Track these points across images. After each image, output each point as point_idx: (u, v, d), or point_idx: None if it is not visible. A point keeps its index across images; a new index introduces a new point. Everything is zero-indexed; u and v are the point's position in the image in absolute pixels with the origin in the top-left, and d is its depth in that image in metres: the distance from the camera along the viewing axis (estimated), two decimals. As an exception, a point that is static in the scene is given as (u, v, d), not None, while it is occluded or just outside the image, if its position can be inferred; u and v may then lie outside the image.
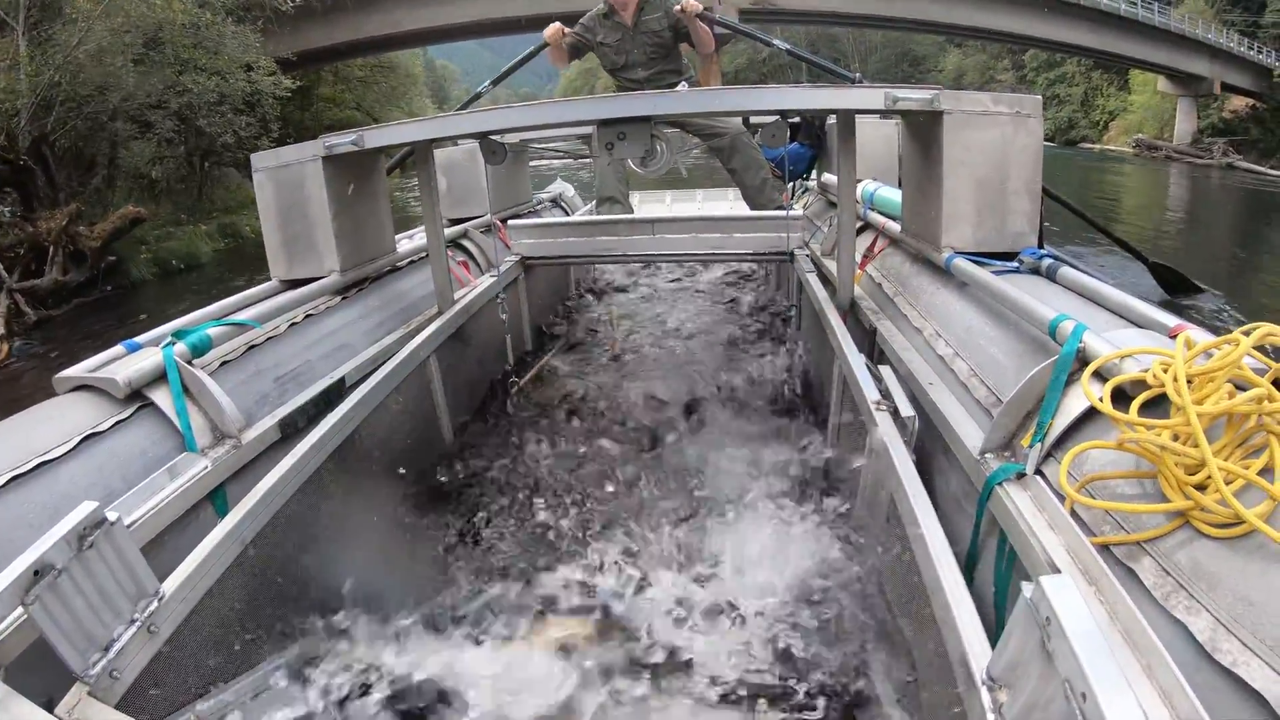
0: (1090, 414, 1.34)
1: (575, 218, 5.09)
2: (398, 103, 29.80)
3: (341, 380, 2.28)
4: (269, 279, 2.68)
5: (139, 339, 1.96)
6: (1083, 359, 1.40)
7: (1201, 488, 1.08)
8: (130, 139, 14.49)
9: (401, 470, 2.42)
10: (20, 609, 1.09)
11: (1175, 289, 3.21)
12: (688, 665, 1.76)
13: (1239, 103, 28.26)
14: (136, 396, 1.78)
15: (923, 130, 2.31)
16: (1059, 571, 1.17)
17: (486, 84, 4.37)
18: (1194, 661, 0.96)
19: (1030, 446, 1.40)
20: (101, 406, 1.73)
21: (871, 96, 2.20)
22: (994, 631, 1.09)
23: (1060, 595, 0.83)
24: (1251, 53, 27.16)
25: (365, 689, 1.70)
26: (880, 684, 1.62)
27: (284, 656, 1.72)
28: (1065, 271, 1.94)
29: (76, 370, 1.80)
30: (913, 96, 2.13)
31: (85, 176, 13.74)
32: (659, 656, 1.78)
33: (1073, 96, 36.70)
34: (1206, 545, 1.05)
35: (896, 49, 46.61)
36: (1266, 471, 1.06)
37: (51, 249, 10.99)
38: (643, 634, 1.85)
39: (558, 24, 4.09)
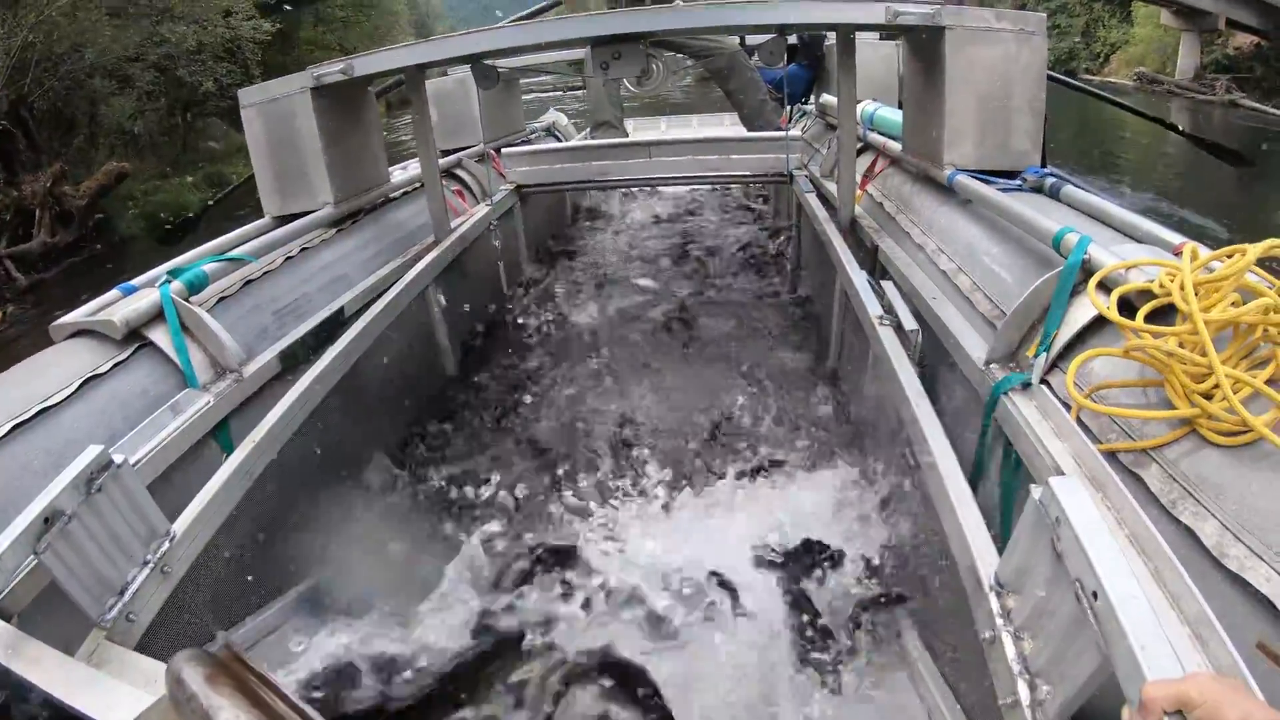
0: (1095, 325, 1.34)
1: (570, 143, 5.01)
2: (381, 42, 28.90)
3: (340, 311, 2.27)
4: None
5: (134, 281, 1.94)
6: (1088, 270, 1.39)
7: (1208, 396, 1.08)
8: (110, 95, 14.11)
9: (406, 399, 2.43)
10: (32, 557, 1.07)
11: (1222, 158, 3.05)
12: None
13: (1244, 40, 27.41)
14: (135, 337, 1.76)
15: (924, 47, 2.26)
16: (1064, 475, 1.17)
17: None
18: (1201, 566, 0.97)
19: (1036, 357, 1.40)
20: (100, 349, 1.72)
21: (872, 10, 2.15)
22: (1001, 542, 1.10)
23: (1069, 495, 0.84)
24: (1258, -10, 26.40)
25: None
26: (888, 593, 1.66)
27: (297, 591, 1.74)
28: (1069, 190, 1.92)
29: (73, 316, 1.78)
30: (914, 11, 2.09)
31: (67, 136, 13.44)
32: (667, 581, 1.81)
33: (1074, 27, 35.66)
34: (1213, 453, 1.05)
35: (897, -19, 45.25)
36: (1273, 381, 1.06)
37: (38, 211, 10.80)
38: (653, 554, 1.88)
39: None
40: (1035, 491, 0.90)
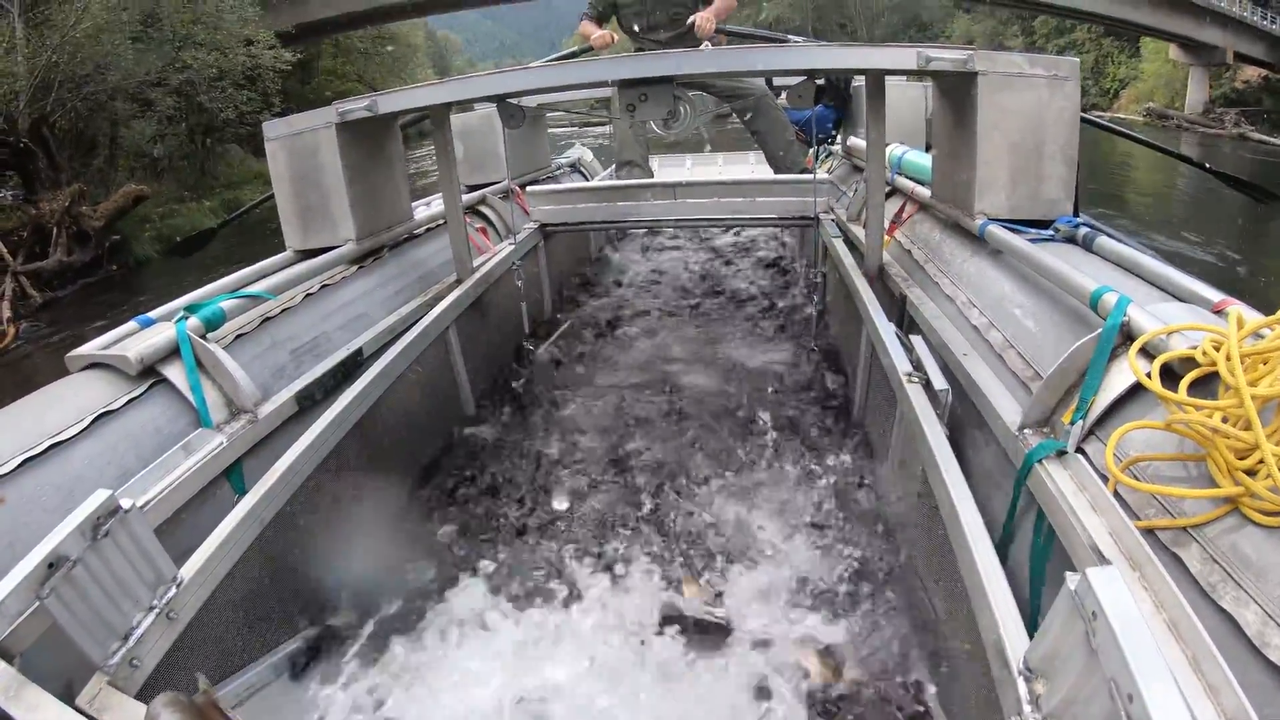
0: (1133, 391, 1.29)
1: (595, 183, 5.02)
2: (400, 74, 29.52)
3: (359, 351, 2.24)
4: (275, 253, 2.61)
5: (152, 314, 1.92)
6: (1127, 333, 1.34)
7: (1252, 472, 1.03)
8: (131, 118, 14.39)
9: (423, 444, 2.39)
10: (36, 601, 1.06)
11: (1246, 193, 3.03)
12: (716, 637, 1.73)
13: (1252, 73, 27.72)
14: (150, 373, 1.74)
15: (955, 92, 2.23)
16: (1101, 554, 1.13)
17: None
18: (1242, 656, 0.92)
19: (1072, 423, 1.34)
20: (114, 384, 1.69)
21: (903, 56, 2.12)
22: (1028, 612, 1.06)
23: (1108, 589, 0.79)
24: (1265, 23, 26.57)
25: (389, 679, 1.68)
26: (909, 663, 1.59)
27: (305, 637, 1.71)
28: (1103, 241, 1.88)
29: (88, 348, 1.75)
30: (946, 57, 2.06)
31: (87, 157, 13.66)
32: (684, 633, 1.75)
33: (1083, 64, 35.91)
34: (1256, 533, 1.00)
35: (904, 14, 45.59)
36: (1321, 460, 1.00)
37: (55, 230, 10.94)
38: (666, 614, 1.81)
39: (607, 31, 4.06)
40: (1071, 581, 0.84)
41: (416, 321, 2.41)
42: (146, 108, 14.43)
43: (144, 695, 1.19)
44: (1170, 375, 1.20)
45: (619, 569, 1.99)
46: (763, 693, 1.59)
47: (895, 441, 2.00)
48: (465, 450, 2.56)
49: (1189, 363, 1.19)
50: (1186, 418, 1.11)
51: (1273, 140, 23.16)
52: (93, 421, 1.56)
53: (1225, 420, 1.08)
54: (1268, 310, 1.31)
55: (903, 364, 1.83)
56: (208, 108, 15.26)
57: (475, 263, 2.96)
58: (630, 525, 2.16)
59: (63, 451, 1.48)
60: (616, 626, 1.79)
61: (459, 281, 2.82)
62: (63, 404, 1.60)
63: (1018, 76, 2.06)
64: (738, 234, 5.51)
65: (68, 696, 1.11)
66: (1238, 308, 1.34)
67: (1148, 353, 1.27)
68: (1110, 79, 34.92)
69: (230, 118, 15.47)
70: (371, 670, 1.69)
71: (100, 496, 1.15)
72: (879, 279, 2.56)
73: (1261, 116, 25.70)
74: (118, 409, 1.63)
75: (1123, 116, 31.39)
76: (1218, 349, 1.15)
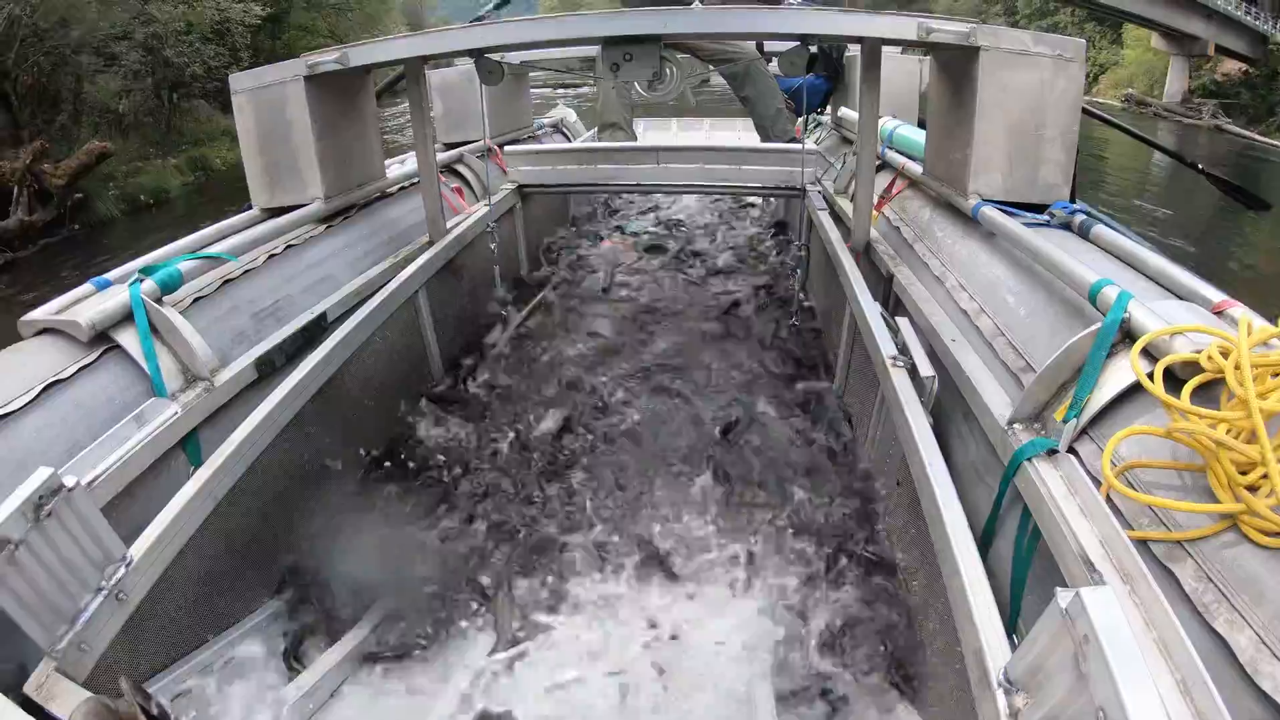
0: (1130, 392, 1.24)
1: (576, 144, 4.92)
2: (373, 30, 28.65)
3: (323, 315, 2.16)
4: (241, 212, 2.51)
5: (109, 275, 1.85)
6: (1127, 331, 1.29)
7: (1254, 489, 0.99)
8: (96, 72, 13.97)
9: (388, 413, 2.33)
10: None
11: (1239, 199, 3.00)
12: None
13: (1231, 66, 27.92)
14: (102, 339, 1.67)
15: (955, 67, 2.16)
16: (1091, 564, 1.09)
17: (490, 6, 3.98)
18: (1232, 682, 0.89)
19: (1064, 421, 1.29)
20: (65, 351, 1.62)
21: (903, 26, 2.05)
22: (1007, 614, 1.03)
23: (1103, 614, 0.75)
24: (1248, 18, 26.72)
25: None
26: (883, 664, 1.54)
27: (261, 615, 1.67)
28: (1100, 230, 1.83)
29: (41, 312, 1.69)
30: (948, 29, 1.99)
31: (50, 113, 13.25)
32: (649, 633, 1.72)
33: (1063, 49, 36.10)
34: (1255, 554, 0.96)
35: (886, -17, 45.29)
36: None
37: (16, 189, 10.65)
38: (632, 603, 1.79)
39: None
40: (1063, 597, 0.79)
41: (385, 284, 2.33)
42: (111, 62, 14.03)
43: (93, 680, 1.19)
44: (1171, 379, 1.16)
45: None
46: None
47: (875, 426, 1.96)
48: (433, 419, 2.48)
49: (1192, 367, 1.15)
50: (1189, 426, 1.07)
51: (1247, 134, 23.48)
52: (42, 391, 1.51)
53: (1228, 432, 1.04)
54: (1268, 313, 1.27)
55: (887, 346, 1.78)
56: (174, 62, 14.82)
57: (449, 223, 2.86)
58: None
59: (11, 423, 1.43)
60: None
61: (431, 243, 2.73)
62: (11, 373, 1.54)
63: (1021, 55, 2.00)
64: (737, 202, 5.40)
65: (15, 684, 1.11)
66: (1242, 311, 1.30)
67: (1149, 353, 1.22)
68: (1091, 63, 35.01)
69: (197, 73, 15.07)
70: (334, 648, 1.64)
71: (42, 475, 1.12)
72: (865, 255, 2.51)
73: (1238, 109, 25.98)
74: (68, 378, 1.57)
75: (1101, 101, 31.60)
76: (1225, 356, 1.11)
